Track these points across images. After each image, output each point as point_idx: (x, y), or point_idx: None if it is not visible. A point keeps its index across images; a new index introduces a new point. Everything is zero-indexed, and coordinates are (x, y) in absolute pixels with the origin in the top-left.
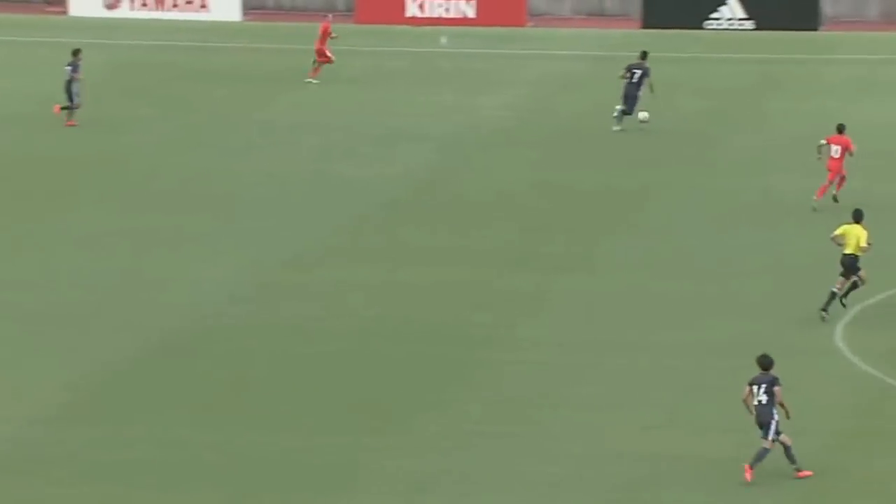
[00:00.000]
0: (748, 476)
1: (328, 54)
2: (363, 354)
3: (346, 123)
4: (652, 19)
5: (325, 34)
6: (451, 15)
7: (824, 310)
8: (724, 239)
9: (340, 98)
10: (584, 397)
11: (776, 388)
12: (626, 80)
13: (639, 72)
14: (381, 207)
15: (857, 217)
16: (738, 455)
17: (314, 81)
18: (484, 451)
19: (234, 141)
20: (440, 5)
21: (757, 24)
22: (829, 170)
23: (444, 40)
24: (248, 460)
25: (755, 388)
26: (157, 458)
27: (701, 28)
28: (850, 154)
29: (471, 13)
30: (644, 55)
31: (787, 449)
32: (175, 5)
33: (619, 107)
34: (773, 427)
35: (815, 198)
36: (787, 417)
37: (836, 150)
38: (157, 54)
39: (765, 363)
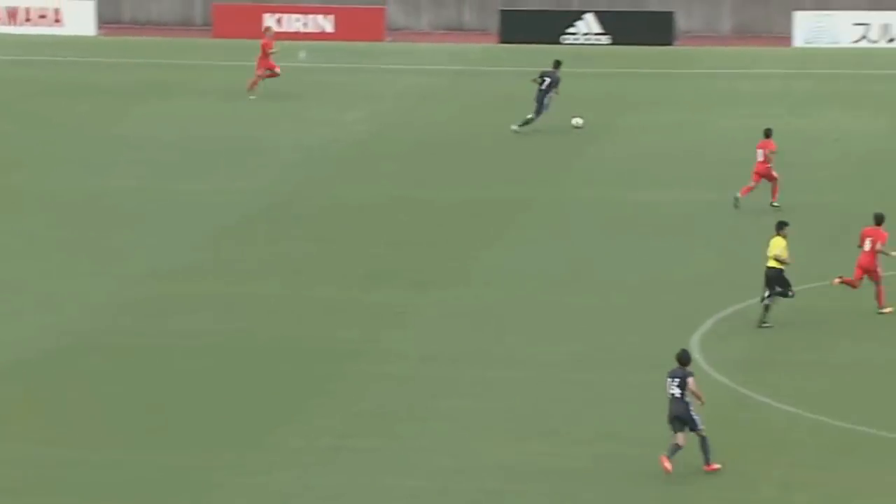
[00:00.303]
0: (667, 466)
1: (274, 68)
2: (223, 370)
3: (204, 137)
4: (510, 34)
5: (266, 49)
6: (310, 30)
7: (763, 321)
8: (591, 251)
9: (199, 112)
10: (450, 410)
11: (689, 380)
12: (536, 86)
13: (548, 79)
14: (241, 221)
15: (778, 228)
16: (604, 467)
17: (252, 97)
18: (346, 465)
19: (94, 156)
20: (298, 20)
21: (613, 39)
22: (756, 172)
23: (302, 55)
24: (101, 477)
25: (668, 380)
26: (9, 475)
27: (558, 43)
28: (772, 153)
29: (329, 28)
30: (557, 64)
31: (676, 448)
32: (28, 20)
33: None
34: (697, 419)
35: (739, 194)
36: (702, 404)
37: (760, 154)
38: (13, 69)
39: (682, 358)
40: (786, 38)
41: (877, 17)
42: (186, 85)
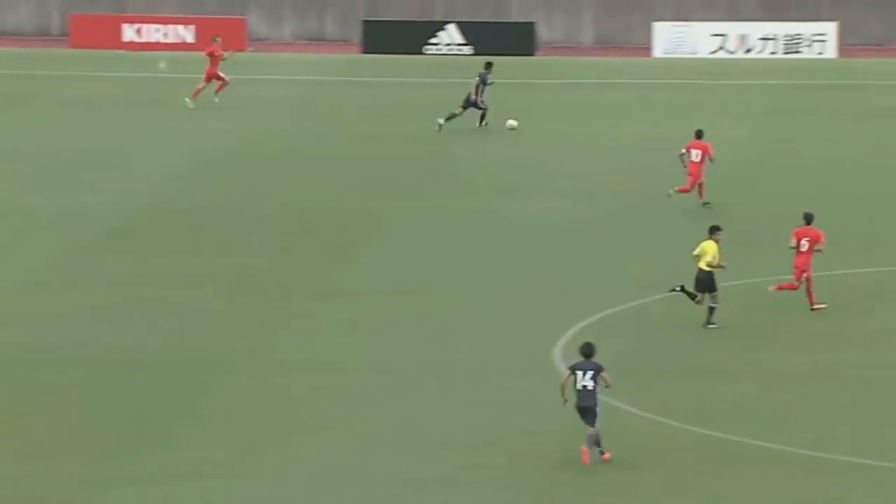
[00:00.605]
0: (585, 458)
1: (222, 76)
2: (95, 383)
3: (65, 149)
4: (372, 45)
5: (216, 57)
6: (170, 40)
7: (709, 322)
8: (453, 260)
9: (59, 123)
10: (320, 420)
11: (604, 374)
12: (473, 86)
13: (477, 80)
14: (105, 233)
15: (711, 232)
16: (467, 476)
17: (216, 99)
18: (213, 478)
19: None
20: (158, 30)
21: (475, 49)
22: (690, 174)
23: (163, 65)
24: None
25: (580, 373)
26: None
27: (421, 53)
28: (710, 159)
29: (190, 38)
30: (488, 65)
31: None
32: None
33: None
34: (599, 415)
35: (674, 189)
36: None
37: (696, 155)
38: None
39: (587, 351)
40: (646, 49)
41: (734, 28)
42: (45, 95)
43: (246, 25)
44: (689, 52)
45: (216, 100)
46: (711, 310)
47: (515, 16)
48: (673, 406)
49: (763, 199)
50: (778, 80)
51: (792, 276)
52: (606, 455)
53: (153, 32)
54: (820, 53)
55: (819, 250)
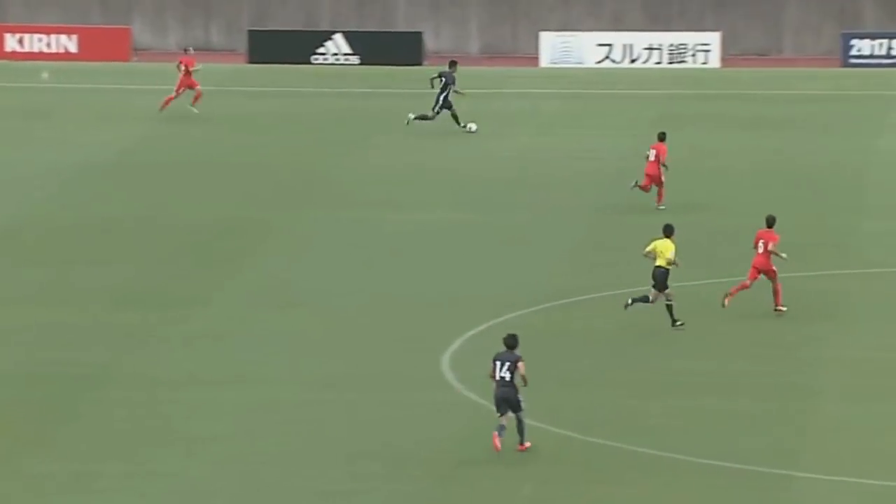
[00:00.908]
0: (496, 444)
1: (195, 86)
2: None
3: None
4: (258, 54)
5: (189, 67)
6: (53, 50)
7: (675, 321)
8: (339, 271)
9: None
10: (198, 434)
11: (520, 364)
12: (437, 85)
13: (444, 79)
14: None
15: (668, 231)
16: (364, 487)
17: (196, 110)
18: (90, 490)
19: None
20: (41, 40)
21: (362, 59)
22: (647, 174)
23: (45, 75)
24: None
25: (498, 363)
26: None
27: (308, 63)
28: (662, 164)
29: (73, 48)
30: (452, 64)
31: (503, 428)
32: None
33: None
34: (521, 402)
35: (636, 183)
36: (524, 385)
37: (652, 154)
38: None
39: (510, 342)
40: (533, 59)
41: (619, 38)
42: None
43: (130, 35)
44: (576, 62)
45: (196, 110)
46: (670, 307)
47: (402, 25)
48: (559, 414)
49: (644, 207)
50: (663, 90)
51: (747, 276)
52: (525, 446)
53: (36, 42)
54: (704, 63)
55: (774, 252)
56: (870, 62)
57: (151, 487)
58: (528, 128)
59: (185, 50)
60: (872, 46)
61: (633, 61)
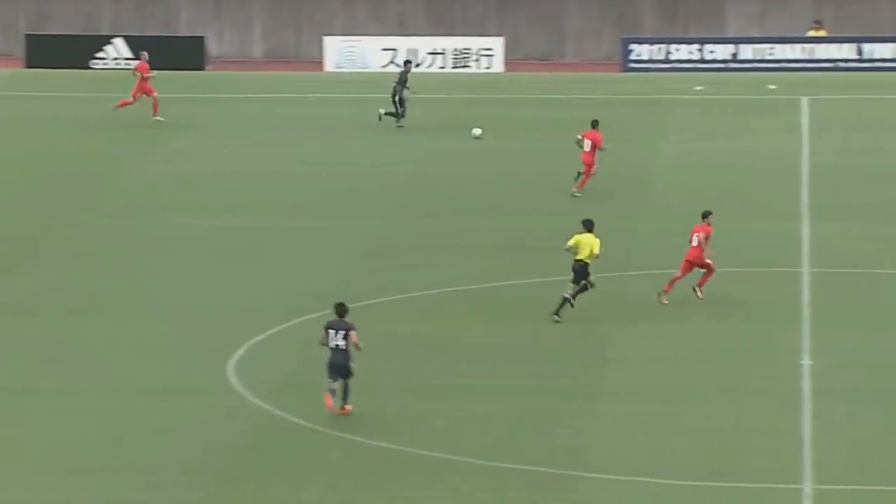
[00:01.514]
0: (328, 403)
1: (152, 93)
2: None
3: None
4: (36, 59)
5: (144, 73)
6: None
7: (556, 314)
8: (129, 277)
9: None
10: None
11: (352, 333)
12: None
13: (399, 78)
14: None
15: (588, 226)
16: (156, 497)
17: (160, 119)
18: None
19: None
20: None
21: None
22: (584, 163)
23: None
24: None
25: (332, 332)
26: None
27: (88, 67)
28: (601, 149)
29: None
30: (406, 63)
31: (334, 392)
32: None
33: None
34: (353, 369)
35: (574, 189)
36: (358, 350)
37: (588, 144)
38: None
39: (340, 310)
40: (318, 63)
41: (404, 43)
42: None
43: None
44: (361, 66)
45: (161, 119)
46: (564, 300)
47: (184, 30)
48: (346, 419)
49: (440, 210)
50: (448, 94)
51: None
52: (348, 408)
53: None
54: (487, 68)
55: (701, 243)
56: (649, 66)
57: None
58: (312, 133)
59: (140, 55)
60: (651, 51)
61: (417, 66)
